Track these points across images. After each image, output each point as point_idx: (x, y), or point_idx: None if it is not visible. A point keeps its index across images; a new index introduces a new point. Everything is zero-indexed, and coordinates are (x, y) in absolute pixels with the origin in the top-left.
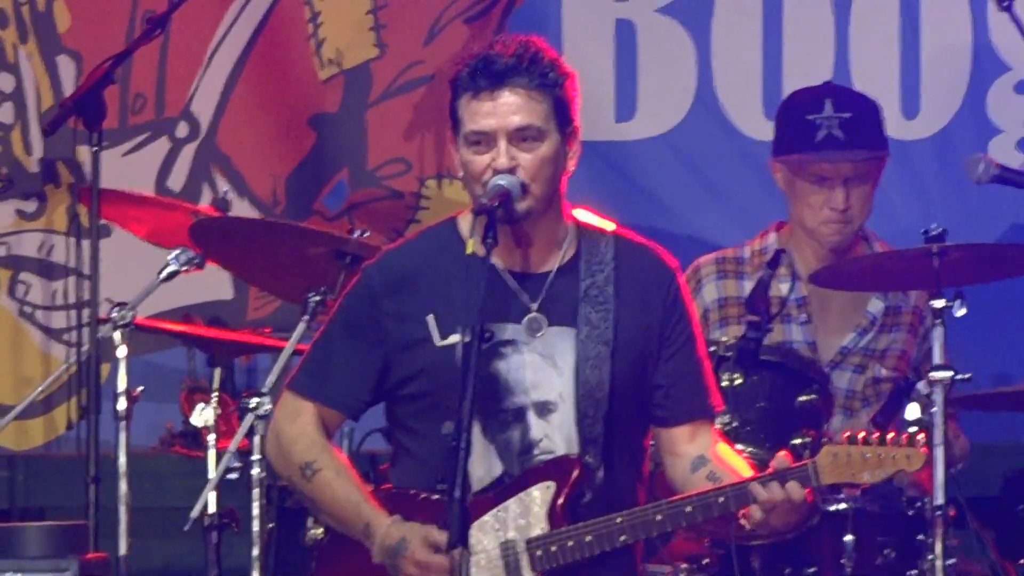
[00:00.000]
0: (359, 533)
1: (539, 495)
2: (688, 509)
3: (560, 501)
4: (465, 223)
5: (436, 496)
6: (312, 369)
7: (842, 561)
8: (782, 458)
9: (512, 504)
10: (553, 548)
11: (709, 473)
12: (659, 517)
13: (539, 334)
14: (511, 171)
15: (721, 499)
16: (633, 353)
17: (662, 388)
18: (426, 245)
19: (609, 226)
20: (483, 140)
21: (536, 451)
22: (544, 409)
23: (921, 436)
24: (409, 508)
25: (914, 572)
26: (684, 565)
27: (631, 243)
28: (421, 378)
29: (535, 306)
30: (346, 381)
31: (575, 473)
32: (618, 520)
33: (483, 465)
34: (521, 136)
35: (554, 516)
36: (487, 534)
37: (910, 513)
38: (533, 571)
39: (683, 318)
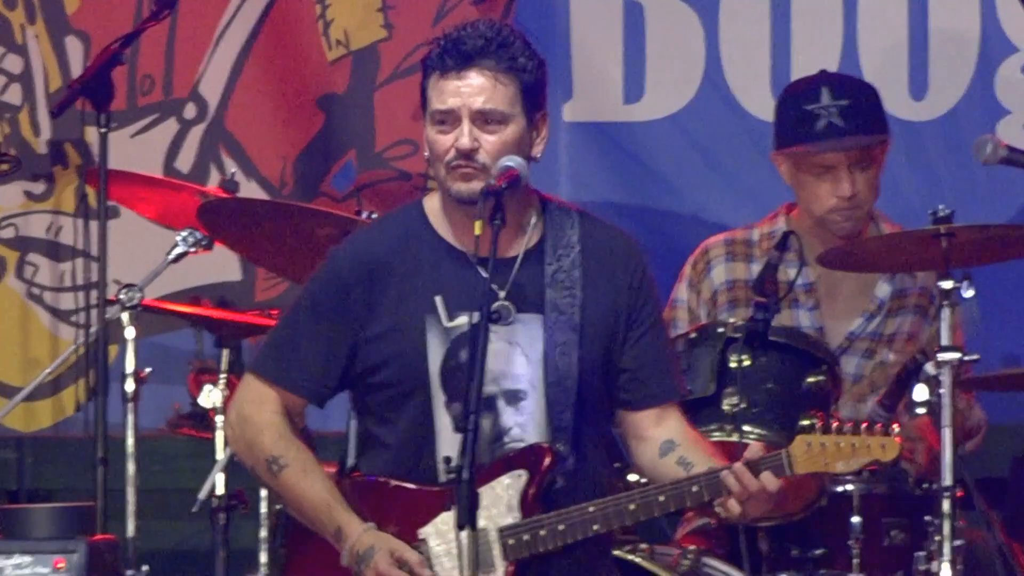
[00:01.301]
0: (330, 535)
1: (511, 483)
2: (661, 499)
3: (532, 490)
4: (432, 206)
5: (407, 484)
6: (277, 354)
7: (849, 542)
8: (755, 448)
9: (483, 493)
10: (526, 537)
11: (679, 458)
12: (632, 506)
13: (507, 322)
14: (473, 152)
15: (695, 488)
16: (600, 337)
17: (628, 371)
18: (395, 229)
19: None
20: (447, 119)
21: (507, 439)
22: (514, 397)
23: (895, 426)
24: (379, 497)
25: (921, 553)
26: (692, 547)
27: (597, 224)
28: (390, 366)
29: (503, 294)
30: (312, 368)
31: (547, 461)
32: (591, 509)
33: (454, 454)
34: (485, 118)
35: (526, 505)
36: None
37: (917, 494)
38: (505, 560)
39: (649, 301)
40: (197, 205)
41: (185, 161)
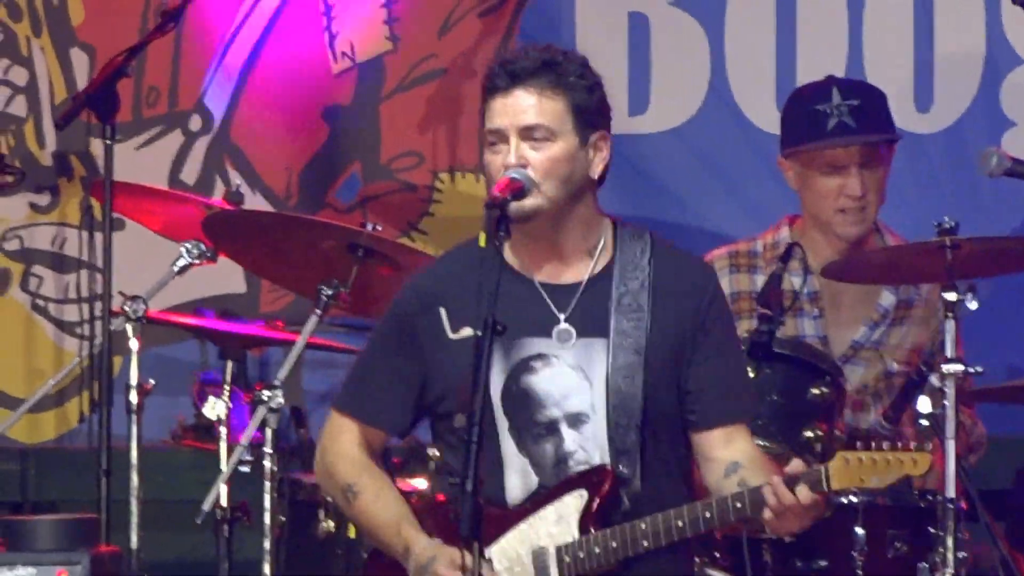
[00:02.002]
0: (399, 555)
1: (572, 503)
2: (707, 515)
3: (592, 510)
4: None
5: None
6: (353, 388)
7: (853, 554)
8: (796, 464)
9: (546, 513)
10: (581, 554)
11: (740, 479)
12: (680, 523)
13: (568, 345)
14: (521, 169)
15: (738, 504)
16: (666, 360)
17: (693, 393)
18: (461, 258)
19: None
20: (498, 139)
21: (571, 463)
22: (576, 421)
23: (930, 444)
24: (451, 519)
25: (925, 565)
26: (696, 559)
27: (670, 249)
28: (454, 394)
29: (563, 317)
30: (385, 400)
31: (607, 482)
32: (642, 526)
33: (519, 478)
34: (531, 135)
35: (585, 524)
36: (522, 542)
37: (921, 506)
38: None
39: (717, 325)
40: (202, 217)
41: (190, 173)
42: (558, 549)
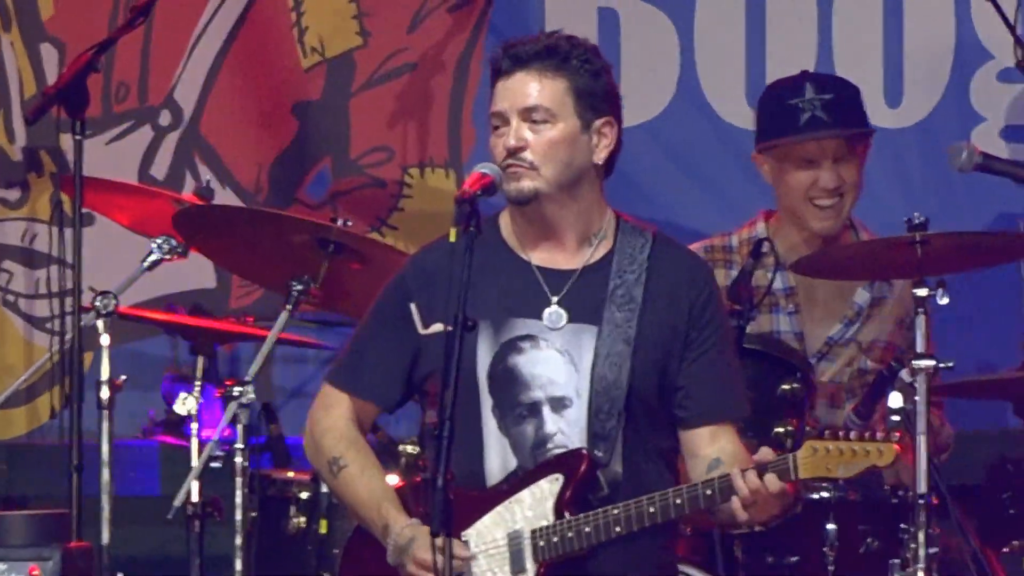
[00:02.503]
0: (379, 533)
1: (548, 487)
2: (677, 501)
3: (568, 494)
4: (505, 220)
5: (458, 488)
6: (347, 362)
7: (824, 550)
8: (765, 452)
9: (522, 496)
10: (555, 539)
11: (720, 475)
12: (651, 509)
13: (558, 328)
14: (519, 150)
15: (708, 492)
16: (656, 354)
17: (682, 389)
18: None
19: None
20: (500, 123)
21: (550, 445)
22: (559, 404)
23: (897, 434)
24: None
25: (896, 561)
26: None
27: (669, 246)
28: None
29: (555, 300)
30: (378, 374)
31: (583, 466)
32: (615, 512)
33: (498, 458)
34: (530, 116)
35: (560, 508)
36: (498, 525)
37: (893, 502)
38: (535, 561)
39: (711, 324)
40: (172, 212)
41: (160, 168)
42: (533, 532)
